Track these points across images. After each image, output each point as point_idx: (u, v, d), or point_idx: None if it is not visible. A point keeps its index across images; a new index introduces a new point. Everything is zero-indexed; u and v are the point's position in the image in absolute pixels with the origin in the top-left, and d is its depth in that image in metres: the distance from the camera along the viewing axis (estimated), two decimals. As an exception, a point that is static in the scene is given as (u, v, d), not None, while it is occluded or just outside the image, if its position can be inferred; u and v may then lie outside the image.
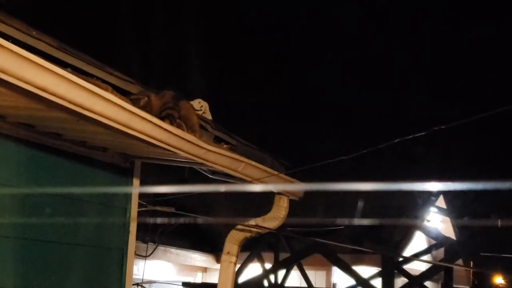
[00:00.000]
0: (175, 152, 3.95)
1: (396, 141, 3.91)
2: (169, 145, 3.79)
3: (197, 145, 4.03)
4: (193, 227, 14.48)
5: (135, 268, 5.34)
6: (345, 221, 11.96)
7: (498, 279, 13.99)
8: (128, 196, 4.76)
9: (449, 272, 12.29)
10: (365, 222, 12.05)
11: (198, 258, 15.42)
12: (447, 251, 13.13)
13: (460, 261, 13.61)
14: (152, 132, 3.57)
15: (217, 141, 4.81)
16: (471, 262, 13.74)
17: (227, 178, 4.98)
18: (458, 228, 15.92)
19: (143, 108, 3.59)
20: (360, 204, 12.86)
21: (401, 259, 12.76)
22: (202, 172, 5.08)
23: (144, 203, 6.69)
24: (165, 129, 3.68)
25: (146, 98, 3.82)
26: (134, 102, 3.63)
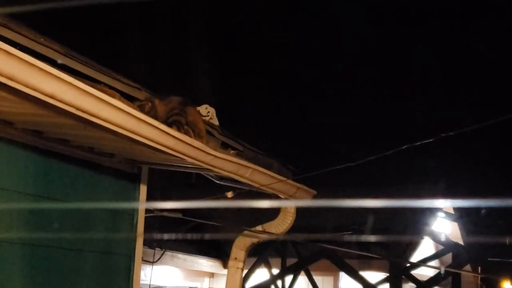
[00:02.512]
0: (182, 158, 3.95)
1: (404, 147, 3.89)
2: (176, 151, 3.79)
3: (204, 152, 4.03)
4: (200, 232, 14.48)
5: (142, 273, 5.34)
6: (353, 237, 11.92)
7: (507, 284, 13.92)
8: (135, 202, 4.76)
9: (457, 277, 12.24)
10: (372, 238, 12.00)
11: (205, 264, 15.39)
12: (454, 257, 13.07)
13: (468, 267, 13.55)
14: (159, 138, 3.57)
15: (224, 146, 4.81)
16: (479, 268, 13.69)
17: (234, 183, 4.98)
18: (465, 233, 15.87)
19: (147, 113, 3.60)
20: (370, 219, 12.80)
21: (408, 264, 12.71)
22: (209, 177, 5.08)
23: (151, 209, 6.68)
24: (172, 136, 3.68)
25: (150, 104, 3.82)
26: (140, 108, 3.64)
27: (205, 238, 15.09)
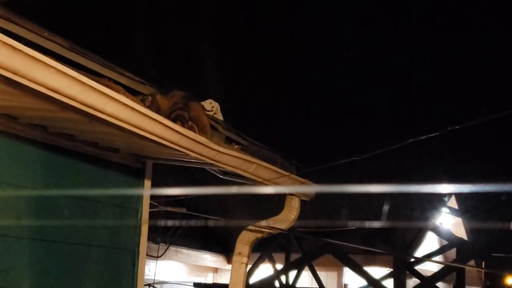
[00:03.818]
0: (186, 153, 3.95)
1: (409, 141, 3.88)
2: (180, 146, 3.79)
3: (208, 147, 4.03)
4: (204, 227, 14.51)
5: (146, 268, 5.33)
6: (356, 223, 11.92)
7: (511, 280, 13.91)
8: (139, 197, 4.76)
9: (461, 273, 12.23)
10: (376, 224, 11.99)
11: (209, 259, 15.42)
12: (459, 252, 13.07)
13: (472, 262, 13.55)
14: (164, 133, 3.57)
15: (228, 141, 4.80)
16: (483, 263, 13.68)
17: (238, 178, 4.98)
18: (470, 229, 15.86)
19: (148, 108, 3.59)
20: (386, 207, 12.77)
21: (413, 259, 12.70)
22: (213, 172, 5.08)
23: (156, 204, 6.69)
24: (177, 131, 3.68)
25: (150, 98, 3.81)
26: (141, 102, 3.63)
27: (209, 233, 15.12)
